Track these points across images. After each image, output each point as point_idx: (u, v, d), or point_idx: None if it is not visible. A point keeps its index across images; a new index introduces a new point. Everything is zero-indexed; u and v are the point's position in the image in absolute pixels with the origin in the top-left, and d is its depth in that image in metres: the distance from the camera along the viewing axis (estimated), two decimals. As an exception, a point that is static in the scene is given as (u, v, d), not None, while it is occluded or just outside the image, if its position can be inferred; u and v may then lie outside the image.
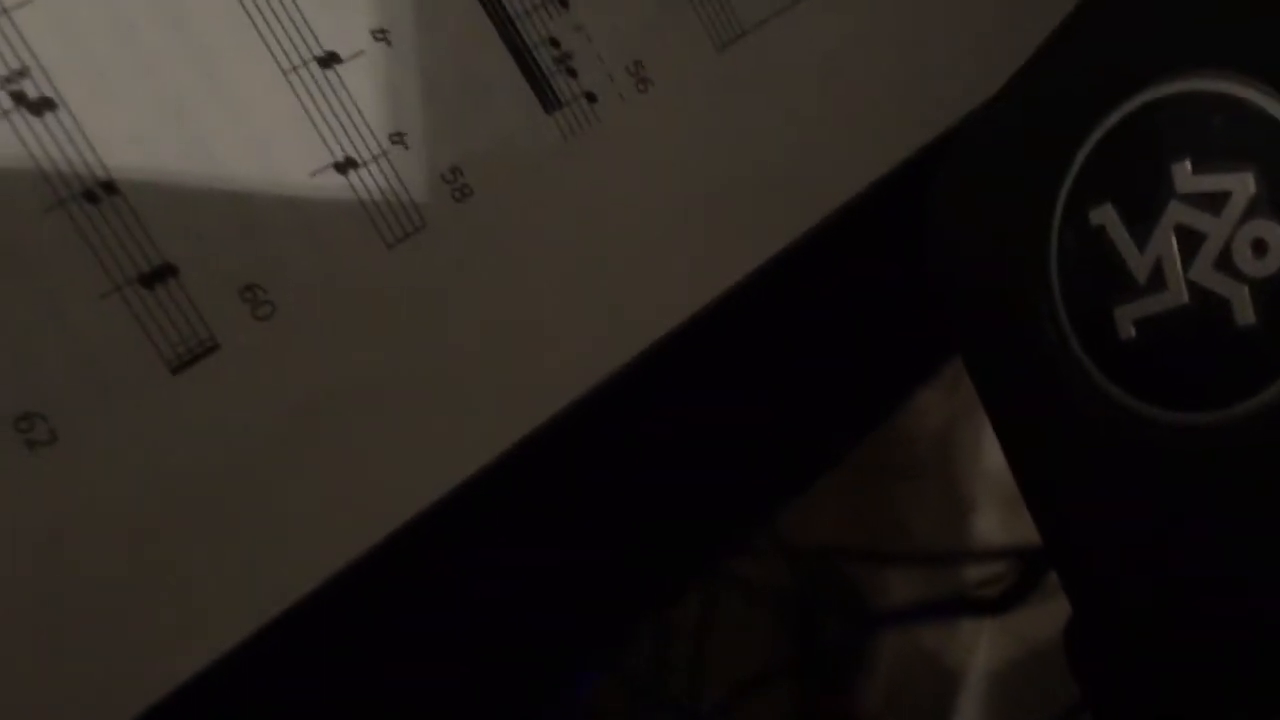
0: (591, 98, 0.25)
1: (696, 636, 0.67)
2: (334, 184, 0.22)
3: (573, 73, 0.25)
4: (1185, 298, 0.20)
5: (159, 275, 0.21)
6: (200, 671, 0.21)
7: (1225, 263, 0.20)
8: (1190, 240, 0.20)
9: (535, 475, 0.26)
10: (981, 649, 0.76)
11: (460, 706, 0.27)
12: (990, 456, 0.82)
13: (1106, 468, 0.22)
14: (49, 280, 0.20)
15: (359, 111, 0.22)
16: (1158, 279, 0.21)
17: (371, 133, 0.22)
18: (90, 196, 0.20)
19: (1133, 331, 0.21)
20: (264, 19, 0.22)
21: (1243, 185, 0.19)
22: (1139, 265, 0.21)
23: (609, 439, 0.28)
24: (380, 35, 0.23)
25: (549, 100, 0.24)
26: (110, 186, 0.20)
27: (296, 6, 0.22)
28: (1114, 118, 0.21)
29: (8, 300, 0.19)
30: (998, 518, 0.79)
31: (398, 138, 0.23)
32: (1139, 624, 0.22)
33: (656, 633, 0.65)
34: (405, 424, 0.23)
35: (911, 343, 0.35)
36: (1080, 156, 0.22)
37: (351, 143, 0.22)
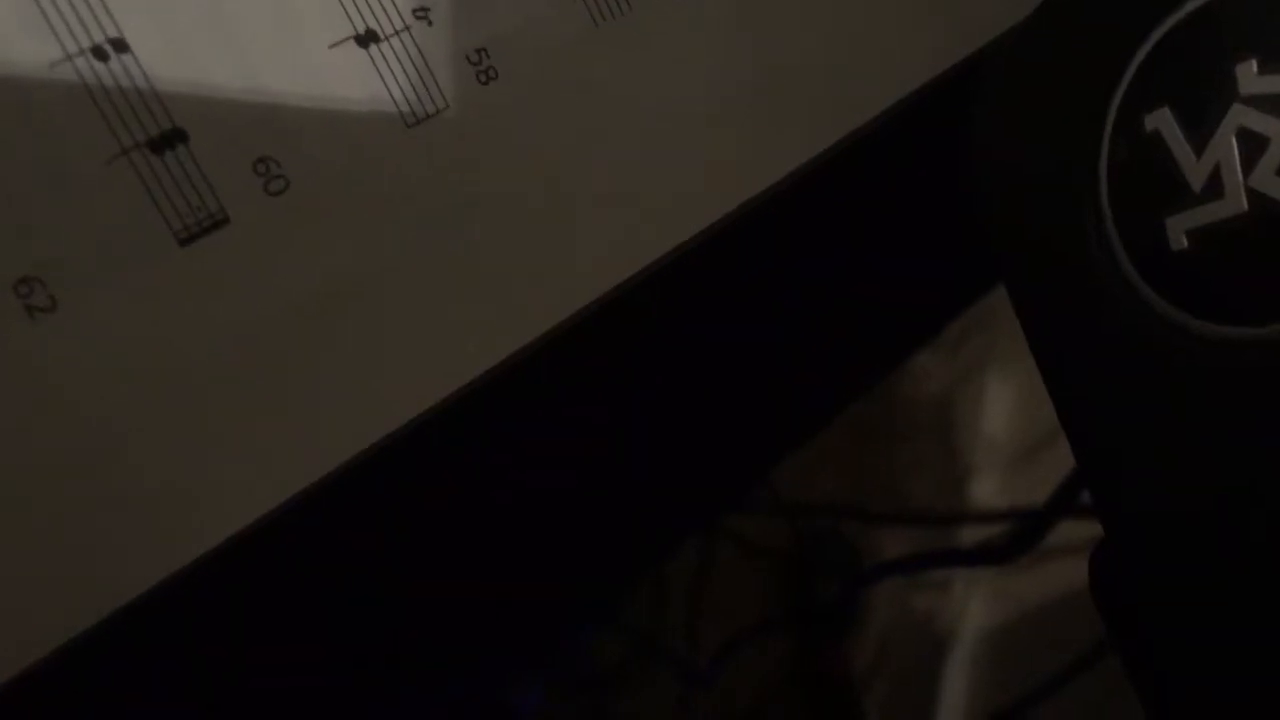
0: (626, -17, 0.24)
1: (693, 590, 0.67)
2: (354, 57, 0.21)
3: (606, -44, 0.24)
4: (1244, 206, 0.19)
5: (169, 140, 0.19)
6: (198, 558, 0.20)
7: (1289, 169, 0.19)
8: (1252, 145, 0.19)
9: (532, 418, 0.25)
10: (972, 610, 0.76)
11: (457, 659, 0.27)
12: (989, 421, 0.82)
13: (1152, 385, 0.21)
14: (53, 140, 0.19)
15: (383, -18, 0.21)
16: (1215, 186, 0.20)
17: (395, 5, 0.21)
18: (99, 53, 0.19)
19: (1185, 242, 0.20)
20: (286, -123, 0.21)
21: (1312, 87, 0.18)
22: (1195, 172, 0.20)
23: (610, 383, 0.27)
24: (406, -97, 0.22)
25: (581, -16, 0.23)
26: (120, 44, 0.19)
27: None
28: (1176, 15, 0.20)
29: (9, 159, 0.18)
30: (995, 482, 0.79)
31: (422, 13, 0.22)
32: (1175, 547, 0.21)
33: (654, 586, 0.65)
34: (417, 312, 0.22)
35: (914, 299, 0.34)
36: (1137, 57, 0.21)
37: (374, 14, 0.21)
